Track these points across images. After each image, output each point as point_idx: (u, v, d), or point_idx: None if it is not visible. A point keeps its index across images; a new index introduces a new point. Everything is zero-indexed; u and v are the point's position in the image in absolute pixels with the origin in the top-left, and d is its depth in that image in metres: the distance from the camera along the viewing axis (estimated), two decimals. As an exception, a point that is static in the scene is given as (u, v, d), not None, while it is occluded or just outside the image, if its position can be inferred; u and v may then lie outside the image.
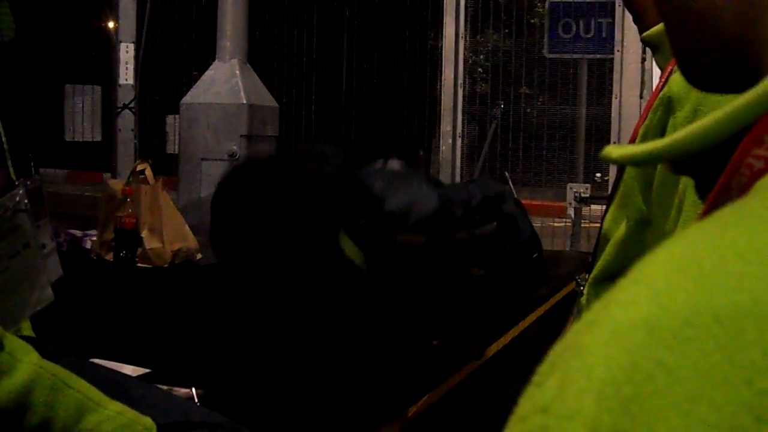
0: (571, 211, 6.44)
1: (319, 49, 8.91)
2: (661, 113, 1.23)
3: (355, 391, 2.10)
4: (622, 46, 6.59)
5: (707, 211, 0.38)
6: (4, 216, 1.34)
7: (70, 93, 8.47)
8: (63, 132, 8.46)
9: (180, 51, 8.72)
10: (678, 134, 0.39)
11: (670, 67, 1.29)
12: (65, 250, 3.62)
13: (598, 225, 1.52)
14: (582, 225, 6.23)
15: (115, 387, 1.27)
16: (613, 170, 5.81)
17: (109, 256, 3.50)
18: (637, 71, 6.50)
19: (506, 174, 6.99)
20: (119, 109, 7.00)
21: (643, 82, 6.35)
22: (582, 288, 1.49)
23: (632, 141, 1.34)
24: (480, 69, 8.59)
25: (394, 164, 2.46)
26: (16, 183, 1.39)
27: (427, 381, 2.21)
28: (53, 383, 1.10)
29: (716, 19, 0.44)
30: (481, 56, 8.60)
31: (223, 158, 5.35)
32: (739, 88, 0.45)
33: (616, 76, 6.69)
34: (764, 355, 0.26)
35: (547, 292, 3.31)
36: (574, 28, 7.54)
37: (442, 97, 7.34)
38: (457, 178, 7.13)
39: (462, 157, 7.43)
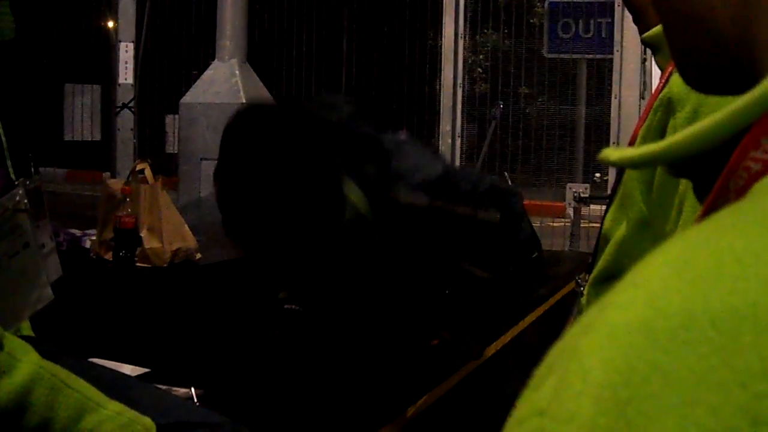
0: (570, 211, 6.44)
1: (319, 49, 8.91)
2: (662, 114, 1.23)
3: (353, 391, 2.10)
4: (622, 46, 6.59)
5: (705, 214, 0.38)
6: (4, 216, 1.34)
7: (70, 92, 8.47)
8: (62, 131, 8.46)
9: (179, 50, 8.73)
10: (675, 137, 0.40)
11: (670, 68, 1.29)
12: (65, 249, 3.62)
13: (598, 225, 1.52)
14: (581, 225, 6.23)
15: (114, 387, 1.28)
16: (612, 170, 5.80)
17: (109, 256, 3.50)
18: (637, 71, 6.50)
19: (506, 174, 6.99)
20: (119, 109, 7.00)
21: (644, 83, 6.34)
22: (582, 288, 1.49)
23: (632, 141, 1.34)
24: (479, 69, 8.59)
25: (403, 135, 2.48)
26: (16, 183, 1.39)
27: (426, 381, 2.21)
28: (53, 383, 1.10)
29: (713, 21, 0.44)
30: (481, 56, 8.61)
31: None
32: (737, 90, 0.45)
33: (615, 76, 6.69)
34: (760, 359, 0.26)
35: (547, 292, 3.31)
36: (574, 28, 7.54)
37: (442, 97, 7.33)
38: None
39: (461, 157, 7.43)
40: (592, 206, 6.36)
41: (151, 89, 7.99)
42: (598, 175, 7.71)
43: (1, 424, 1.07)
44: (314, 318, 2.50)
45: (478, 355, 2.41)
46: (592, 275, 1.42)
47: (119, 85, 6.99)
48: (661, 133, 1.22)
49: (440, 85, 7.38)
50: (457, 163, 7.30)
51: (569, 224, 6.43)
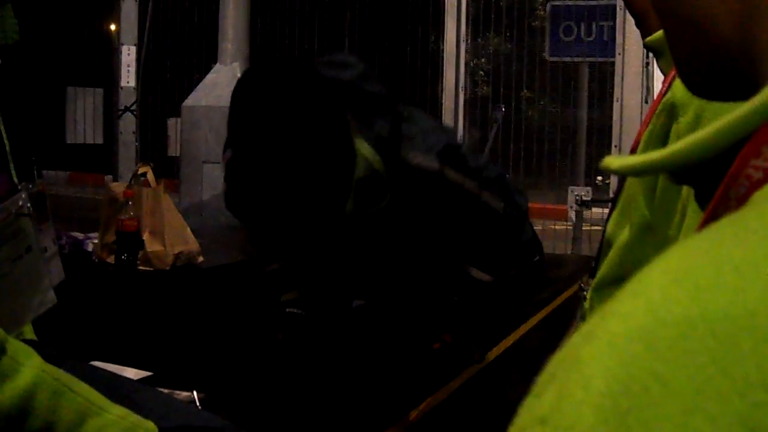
0: (572, 214, 6.44)
1: (321, 53, 8.91)
2: (665, 119, 1.23)
3: (356, 395, 2.10)
4: (623, 50, 6.59)
5: (706, 221, 0.38)
6: (7, 220, 1.34)
7: (72, 95, 8.47)
8: (64, 134, 8.46)
9: (181, 54, 8.73)
10: (677, 145, 0.40)
11: (672, 73, 1.29)
12: (67, 252, 3.63)
13: (600, 228, 1.52)
14: (583, 228, 6.23)
15: (117, 391, 1.28)
16: (614, 173, 5.79)
17: (111, 259, 3.50)
18: (639, 74, 6.50)
19: (507, 176, 6.98)
20: (121, 112, 7.00)
21: (647, 88, 6.34)
22: (585, 293, 1.49)
23: (635, 146, 1.34)
24: (481, 72, 8.60)
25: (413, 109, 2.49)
26: (19, 187, 1.39)
27: (428, 385, 2.21)
28: (56, 387, 1.10)
29: (714, 27, 0.44)
30: (483, 59, 8.61)
31: (224, 161, 5.35)
32: (739, 96, 0.45)
33: (617, 79, 6.69)
34: (758, 368, 0.26)
35: (549, 295, 3.31)
36: (576, 32, 7.54)
37: (444, 100, 7.33)
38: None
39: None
40: (594, 209, 6.36)
41: (153, 92, 8.00)
42: (600, 178, 7.71)
43: (4, 428, 1.07)
44: (317, 322, 2.50)
45: (480, 359, 2.41)
46: (595, 280, 1.42)
47: (121, 88, 7.00)
48: (664, 138, 1.22)
49: (442, 88, 7.38)
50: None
51: (571, 227, 6.43)
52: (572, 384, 0.29)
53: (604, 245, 1.43)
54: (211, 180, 5.68)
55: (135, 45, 6.97)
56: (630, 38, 6.41)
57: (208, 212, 5.66)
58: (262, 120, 2.07)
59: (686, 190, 1.16)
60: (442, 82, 7.42)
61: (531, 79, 7.92)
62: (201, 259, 3.61)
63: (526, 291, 3.22)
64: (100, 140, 8.42)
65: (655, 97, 1.39)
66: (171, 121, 7.40)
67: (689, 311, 0.28)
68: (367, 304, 2.87)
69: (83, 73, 9.18)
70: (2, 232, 1.34)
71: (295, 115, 2.06)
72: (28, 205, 1.38)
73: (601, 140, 7.48)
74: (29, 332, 1.48)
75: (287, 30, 8.75)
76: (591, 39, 7.46)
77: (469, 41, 7.40)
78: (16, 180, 1.40)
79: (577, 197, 6.38)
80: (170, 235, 3.53)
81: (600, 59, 7.52)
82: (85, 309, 2.69)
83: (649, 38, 1.35)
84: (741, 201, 0.36)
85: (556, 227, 6.58)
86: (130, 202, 3.42)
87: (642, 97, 6.40)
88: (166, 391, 1.70)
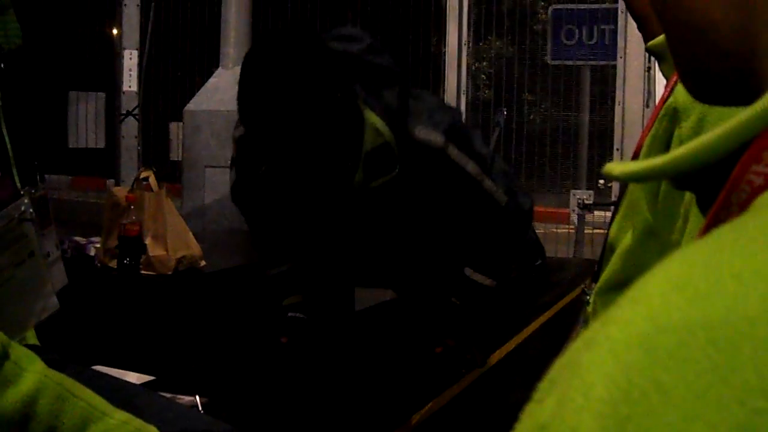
0: (574, 218, 6.44)
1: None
2: (667, 123, 1.23)
3: (358, 399, 2.10)
4: (625, 53, 6.59)
5: (708, 227, 0.38)
6: (9, 225, 1.34)
7: (74, 100, 8.49)
8: (67, 138, 8.47)
9: (183, 58, 8.74)
10: (678, 151, 0.40)
11: (675, 77, 1.29)
12: (69, 257, 3.63)
13: (602, 231, 1.52)
14: (585, 231, 6.23)
15: (119, 395, 1.28)
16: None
17: (113, 264, 3.50)
18: (640, 78, 6.50)
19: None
20: (123, 116, 7.01)
21: (649, 91, 6.34)
22: (588, 297, 1.49)
23: (637, 150, 1.34)
24: (483, 76, 8.60)
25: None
26: (21, 192, 1.39)
27: (430, 389, 2.21)
28: (59, 392, 1.10)
29: (715, 32, 0.44)
30: (484, 63, 8.62)
31: (226, 165, 5.36)
32: (740, 100, 0.45)
33: (619, 82, 6.70)
34: (757, 376, 0.27)
35: (551, 299, 3.31)
36: (577, 35, 7.54)
37: (446, 104, 7.33)
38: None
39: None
40: (596, 212, 6.36)
41: (155, 97, 8.01)
42: (602, 181, 7.71)
43: (6, 434, 1.07)
44: (319, 326, 2.51)
45: (482, 363, 2.41)
46: (598, 284, 1.42)
47: (123, 92, 7.01)
48: (667, 143, 1.22)
49: (444, 91, 7.39)
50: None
51: (573, 231, 6.43)
52: (573, 390, 0.29)
53: (607, 249, 1.43)
54: (213, 184, 5.68)
55: (137, 49, 6.98)
56: (631, 42, 6.41)
57: (210, 216, 5.66)
58: (270, 93, 2.07)
59: (689, 195, 1.16)
60: (443, 86, 7.43)
61: (533, 82, 7.93)
62: (203, 263, 3.61)
63: (528, 295, 3.22)
64: (102, 144, 8.43)
65: (657, 101, 1.39)
66: (173, 126, 7.41)
67: (689, 318, 0.29)
68: (368, 308, 2.87)
69: (85, 77, 9.20)
70: (5, 237, 1.34)
71: (303, 87, 2.06)
72: (31, 210, 1.38)
73: (603, 143, 7.48)
74: (32, 337, 1.48)
75: (289, 34, 8.75)
76: (593, 42, 7.46)
77: (470, 45, 7.40)
78: (18, 185, 1.41)
79: (579, 200, 6.37)
80: (173, 240, 3.53)
81: (602, 62, 7.53)
82: (87, 313, 2.69)
83: (651, 42, 1.35)
84: (743, 207, 0.36)
85: (558, 230, 6.58)
86: (132, 207, 3.42)
87: (643, 101, 6.40)
88: (168, 395, 1.70)
